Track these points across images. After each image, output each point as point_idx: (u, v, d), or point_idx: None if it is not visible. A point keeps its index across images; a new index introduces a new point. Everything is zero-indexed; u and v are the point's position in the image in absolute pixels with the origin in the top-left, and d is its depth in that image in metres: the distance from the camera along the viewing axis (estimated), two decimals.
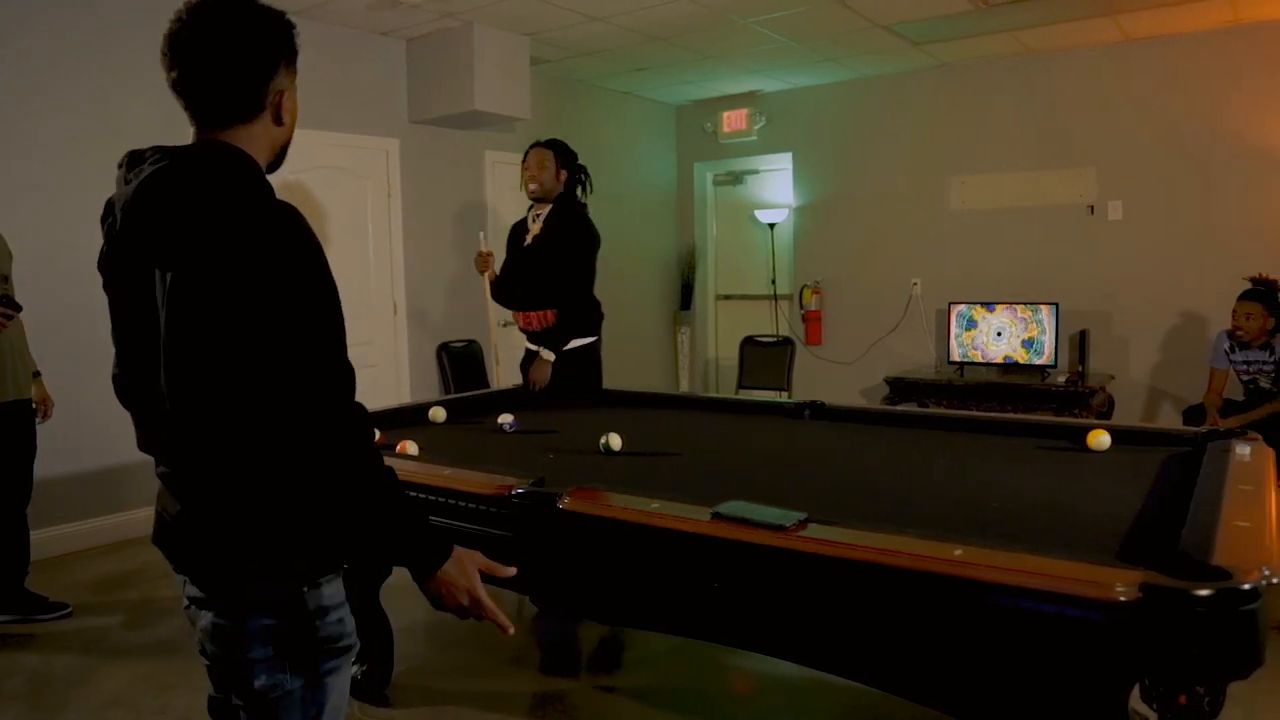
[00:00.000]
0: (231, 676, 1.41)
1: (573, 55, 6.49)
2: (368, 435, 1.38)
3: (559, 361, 4.02)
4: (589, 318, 4.13)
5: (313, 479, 1.35)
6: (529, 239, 4.12)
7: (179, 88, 1.41)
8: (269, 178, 1.40)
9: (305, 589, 1.38)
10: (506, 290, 4.28)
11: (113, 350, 1.52)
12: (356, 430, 1.35)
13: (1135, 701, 1.52)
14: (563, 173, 4.08)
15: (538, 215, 4.14)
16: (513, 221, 4.38)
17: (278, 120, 1.44)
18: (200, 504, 1.39)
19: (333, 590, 1.43)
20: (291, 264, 1.28)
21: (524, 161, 4.12)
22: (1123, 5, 5.43)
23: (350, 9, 5.34)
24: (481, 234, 4.59)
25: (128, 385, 1.48)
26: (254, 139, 1.41)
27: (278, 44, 1.42)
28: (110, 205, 1.39)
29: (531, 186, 4.08)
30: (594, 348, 4.17)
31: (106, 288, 1.45)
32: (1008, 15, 5.60)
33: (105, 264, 1.43)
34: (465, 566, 1.46)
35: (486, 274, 4.35)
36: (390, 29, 5.79)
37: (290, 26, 1.44)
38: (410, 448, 2.74)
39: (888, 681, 1.79)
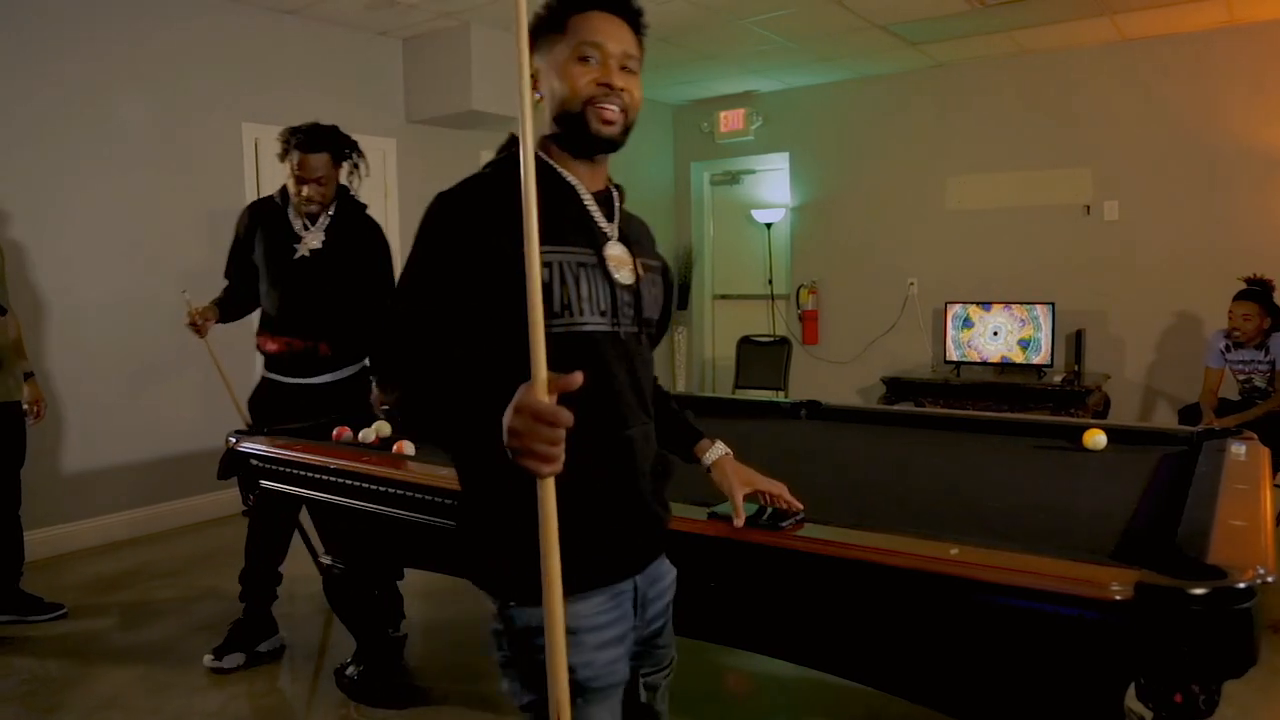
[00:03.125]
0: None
1: None
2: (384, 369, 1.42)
3: (332, 393, 3.37)
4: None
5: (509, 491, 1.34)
6: (303, 251, 3.30)
7: None
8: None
9: (512, 604, 1.40)
10: (266, 312, 3.41)
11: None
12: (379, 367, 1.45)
13: (1131, 700, 1.52)
14: (338, 169, 3.34)
15: (311, 218, 3.33)
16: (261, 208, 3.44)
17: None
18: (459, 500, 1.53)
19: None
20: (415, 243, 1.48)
21: (297, 164, 3.22)
22: (1119, 5, 5.44)
23: (347, 8, 5.34)
24: (184, 293, 3.48)
25: None
26: (543, 123, 1.53)
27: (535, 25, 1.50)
28: None
29: (313, 207, 3.28)
30: (362, 377, 3.46)
31: None
32: (1004, 15, 5.61)
33: None
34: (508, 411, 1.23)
35: (202, 335, 3.34)
36: (387, 29, 5.78)
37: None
38: (407, 447, 2.74)
39: (884, 681, 1.79)
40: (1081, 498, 2.17)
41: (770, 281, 7.99)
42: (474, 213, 1.40)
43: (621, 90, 1.45)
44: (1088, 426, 2.75)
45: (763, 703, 3.09)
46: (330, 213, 3.33)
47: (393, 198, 6.04)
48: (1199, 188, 6.06)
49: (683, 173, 8.47)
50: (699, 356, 8.57)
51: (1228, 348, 4.86)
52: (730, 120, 7.95)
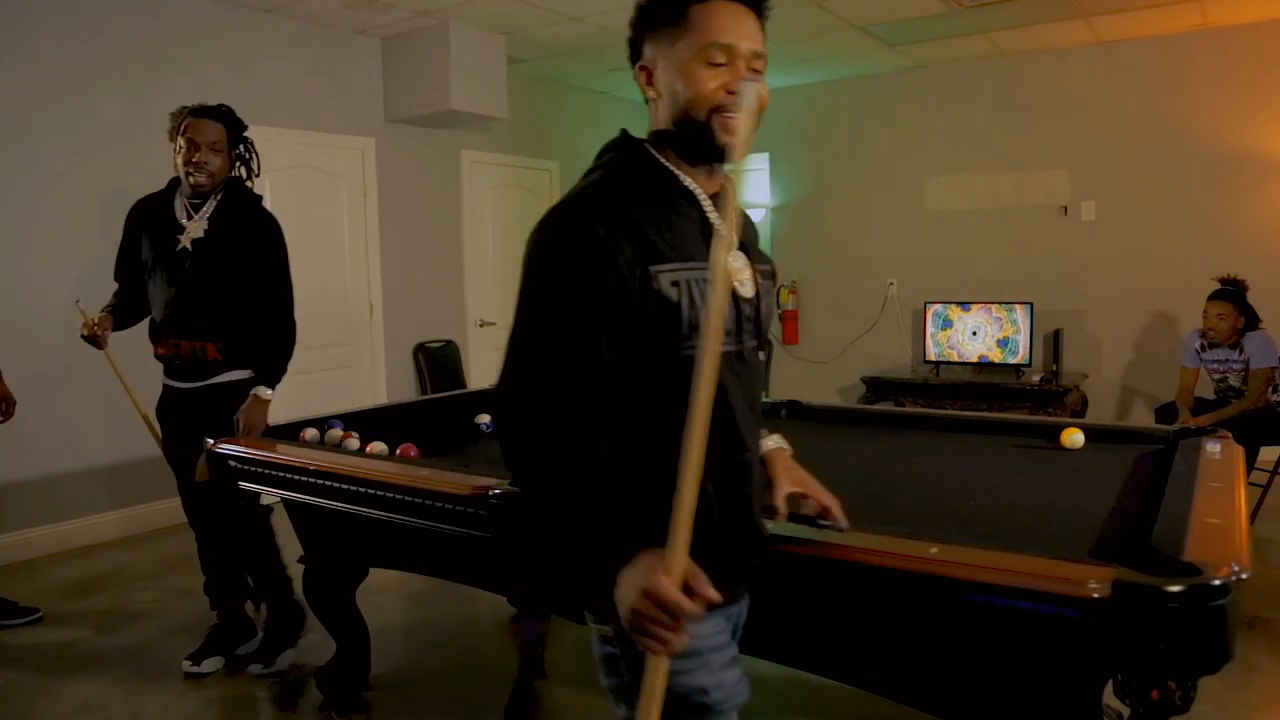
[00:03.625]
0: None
1: (549, 55, 6.47)
2: (525, 422, 1.27)
3: (216, 398, 3.06)
4: (291, 345, 3.15)
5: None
6: (185, 243, 3.03)
7: None
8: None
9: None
10: (154, 313, 3.16)
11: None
12: (514, 415, 1.29)
13: (1109, 697, 1.53)
14: (231, 152, 3.09)
15: (194, 207, 3.06)
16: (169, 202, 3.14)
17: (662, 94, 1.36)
18: None
19: None
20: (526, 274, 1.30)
21: (182, 133, 2.99)
22: (1095, 8, 5.48)
23: (325, 7, 5.30)
24: (78, 303, 3.31)
25: None
26: (654, 120, 1.39)
27: (640, 15, 1.37)
28: None
29: (200, 178, 2.99)
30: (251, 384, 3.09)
31: None
32: (982, 17, 5.64)
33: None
34: (633, 578, 1.16)
35: (101, 346, 3.12)
36: (366, 28, 5.75)
37: None
38: (378, 447, 2.74)
39: (865, 679, 1.79)
40: (1059, 496, 2.18)
41: None
42: (601, 227, 1.25)
43: None
44: (1066, 425, 2.77)
45: (746, 703, 3.09)
46: (216, 200, 3.06)
47: (371, 197, 6.01)
48: (1174, 189, 6.12)
49: None
50: None
51: (1203, 347, 4.91)
52: None
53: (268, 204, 5.52)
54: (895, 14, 5.58)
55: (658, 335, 1.27)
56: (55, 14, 4.50)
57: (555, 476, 1.24)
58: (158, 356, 3.16)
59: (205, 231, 3.02)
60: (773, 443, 1.67)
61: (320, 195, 5.73)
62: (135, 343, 3.13)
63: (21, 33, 4.40)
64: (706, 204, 1.37)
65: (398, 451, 2.70)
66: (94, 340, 3.08)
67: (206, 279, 3.03)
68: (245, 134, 3.13)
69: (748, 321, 1.38)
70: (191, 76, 4.96)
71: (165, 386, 3.19)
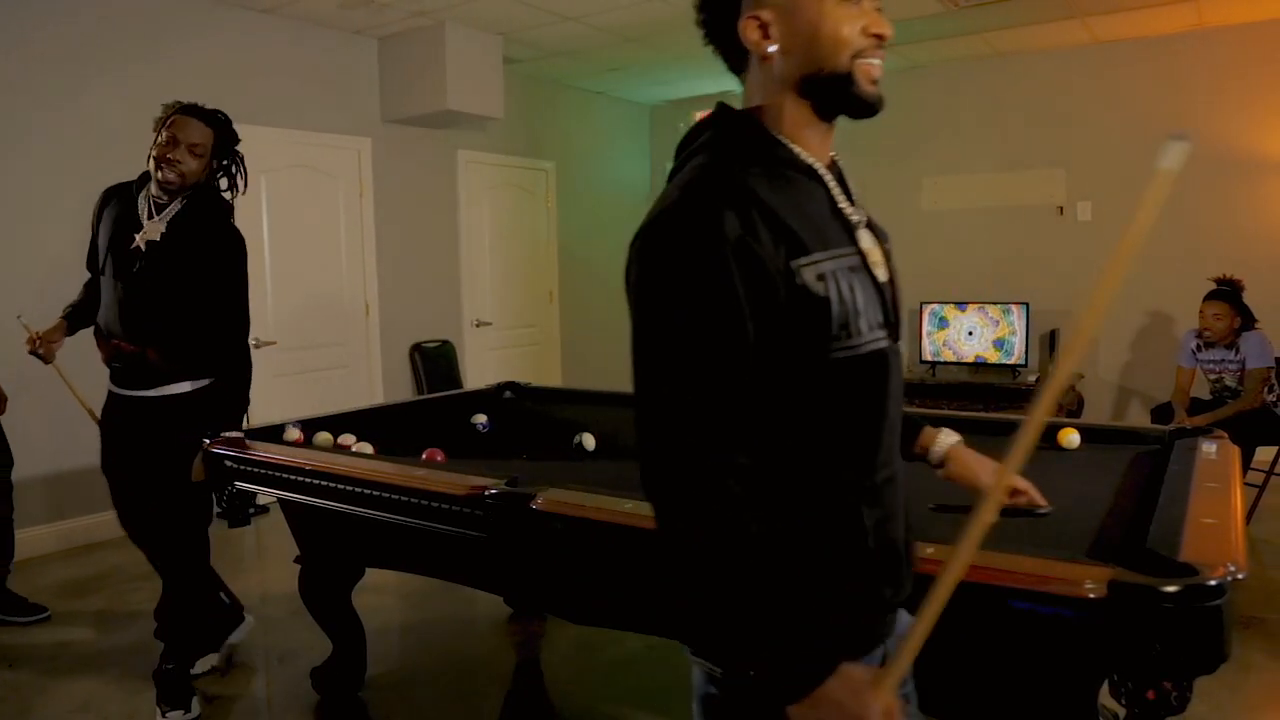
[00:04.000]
0: None
1: (546, 55, 6.47)
2: (700, 485, 1.03)
3: (162, 411, 2.86)
4: (245, 372, 2.93)
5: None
6: (139, 242, 2.81)
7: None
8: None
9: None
10: (100, 311, 2.96)
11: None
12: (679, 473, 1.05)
13: (1104, 697, 1.54)
14: (214, 161, 2.90)
15: (158, 207, 2.85)
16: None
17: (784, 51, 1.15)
18: None
19: None
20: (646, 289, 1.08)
21: (167, 125, 2.81)
22: (1091, 8, 5.49)
23: (321, 7, 5.30)
24: (20, 318, 3.16)
25: None
26: (762, 84, 1.19)
27: None
28: None
29: (169, 175, 2.78)
30: (199, 396, 2.89)
31: None
32: (978, 17, 5.65)
33: None
34: (842, 702, 1.00)
35: (49, 360, 3.01)
36: (362, 28, 5.74)
37: None
38: (365, 447, 2.73)
39: None
40: (1055, 496, 2.18)
41: None
42: (734, 219, 1.05)
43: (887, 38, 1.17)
44: (1062, 426, 2.77)
45: None
46: (181, 204, 2.84)
47: (368, 197, 6.01)
48: (1170, 189, 6.12)
49: (659, 173, 8.47)
50: None
51: (1199, 347, 4.92)
52: None
53: (264, 204, 5.51)
54: (891, 14, 5.46)
55: (804, 338, 1.09)
56: (50, 13, 4.49)
57: (726, 552, 1.03)
58: (104, 361, 2.93)
59: (162, 235, 2.81)
60: (950, 438, 1.57)
61: (316, 195, 5.72)
62: (89, 350, 3.03)
63: (16, 32, 4.40)
64: (830, 180, 1.21)
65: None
66: (40, 355, 2.96)
67: (155, 284, 2.81)
68: (236, 146, 2.95)
69: (892, 311, 1.22)
70: (187, 76, 4.95)
71: (109, 393, 2.96)
